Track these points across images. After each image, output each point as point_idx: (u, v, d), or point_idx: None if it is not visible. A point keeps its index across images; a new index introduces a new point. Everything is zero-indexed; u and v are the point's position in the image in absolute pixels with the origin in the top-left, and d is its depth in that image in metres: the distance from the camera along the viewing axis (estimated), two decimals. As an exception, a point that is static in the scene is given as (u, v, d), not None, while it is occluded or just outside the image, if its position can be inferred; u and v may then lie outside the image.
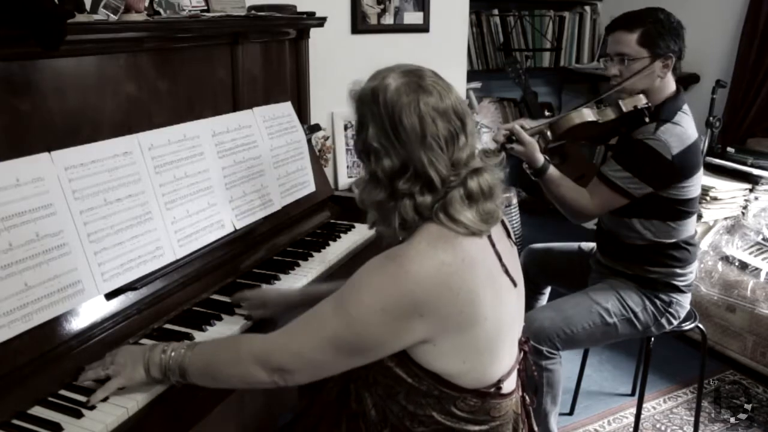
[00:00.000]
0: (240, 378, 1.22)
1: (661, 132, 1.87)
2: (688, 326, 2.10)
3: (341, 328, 1.12)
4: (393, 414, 1.23)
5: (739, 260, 2.76)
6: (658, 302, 1.99)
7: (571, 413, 2.47)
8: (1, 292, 1.20)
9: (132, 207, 1.50)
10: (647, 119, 1.91)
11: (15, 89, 1.34)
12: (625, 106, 1.95)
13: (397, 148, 1.14)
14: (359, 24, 2.73)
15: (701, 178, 2.00)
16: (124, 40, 1.57)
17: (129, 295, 1.45)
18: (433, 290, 1.09)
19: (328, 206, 2.24)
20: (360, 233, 2.09)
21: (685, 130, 1.90)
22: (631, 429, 2.25)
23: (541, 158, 1.98)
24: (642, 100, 1.93)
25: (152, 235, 1.53)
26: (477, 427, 1.22)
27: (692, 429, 2.32)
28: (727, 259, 2.79)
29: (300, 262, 1.86)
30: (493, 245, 1.21)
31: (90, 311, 1.36)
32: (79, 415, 1.18)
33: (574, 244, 2.31)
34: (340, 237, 2.06)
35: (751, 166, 3.08)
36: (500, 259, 1.21)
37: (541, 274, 2.28)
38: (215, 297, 1.64)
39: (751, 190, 3.03)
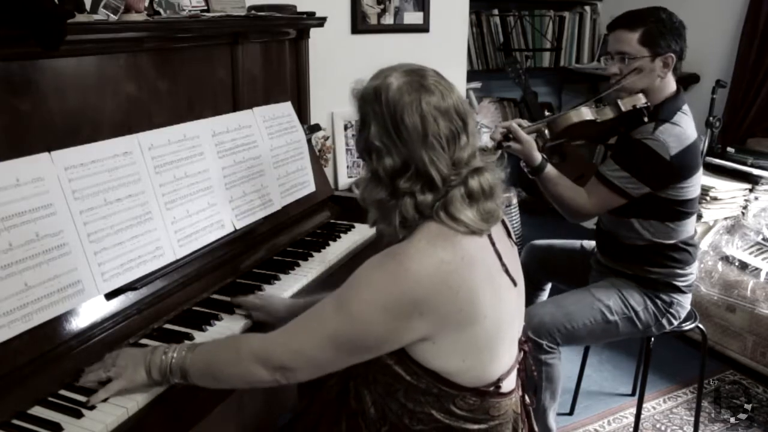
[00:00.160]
0: (241, 377, 1.22)
1: (660, 132, 1.87)
2: (688, 326, 2.10)
3: (341, 326, 1.13)
4: (392, 412, 1.23)
5: (739, 260, 2.76)
6: (659, 302, 1.99)
7: (571, 413, 2.47)
8: (1, 292, 1.20)
9: (132, 207, 1.50)
10: (646, 119, 1.91)
11: (15, 89, 1.34)
12: (624, 105, 1.94)
13: (398, 147, 1.15)
14: (359, 24, 2.73)
15: (700, 179, 2.00)
16: (124, 40, 1.57)
17: (129, 295, 1.45)
18: (433, 288, 1.10)
19: (328, 206, 2.24)
20: (360, 233, 2.09)
21: (684, 130, 1.89)
22: (631, 429, 2.25)
23: (538, 156, 1.98)
24: (641, 100, 1.93)
25: (152, 235, 1.53)
26: (476, 426, 1.22)
27: (692, 429, 2.32)
28: (727, 259, 2.79)
29: (300, 262, 1.86)
30: (493, 244, 1.21)
31: (90, 311, 1.37)
32: (79, 415, 1.18)
33: (576, 242, 2.31)
34: (340, 237, 2.06)
35: (751, 166, 3.08)
36: (500, 259, 1.22)
37: (542, 270, 2.28)
38: (215, 297, 1.64)
39: (751, 190, 3.03)
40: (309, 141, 2.19)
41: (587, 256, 2.23)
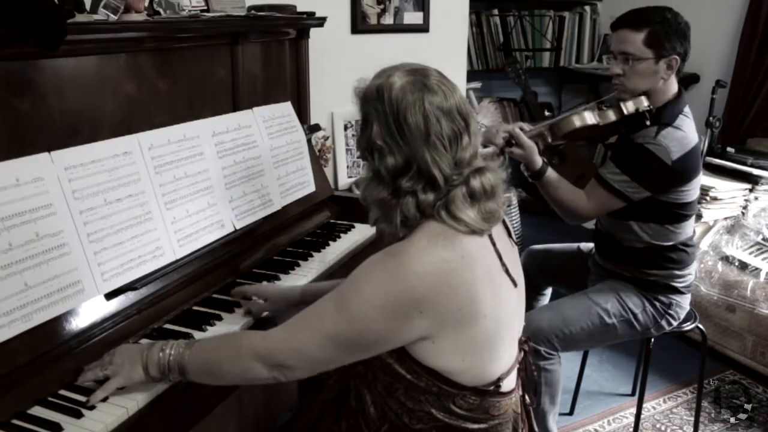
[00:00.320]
0: (239, 374, 1.22)
1: (662, 137, 1.85)
2: (688, 327, 2.10)
3: (341, 324, 1.13)
4: (392, 411, 1.23)
5: (739, 260, 2.76)
6: (657, 304, 1.99)
7: (571, 413, 2.47)
8: (1, 292, 1.20)
9: (132, 207, 1.50)
10: (648, 122, 1.89)
11: (15, 89, 1.34)
12: (627, 108, 1.93)
13: (401, 147, 1.15)
14: (359, 24, 2.73)
15: (700, 181, 1.99)
16: (124, 40, 1.57)
17: (129, 295, 1.45)
18: (433, 287, 1.10)
19: (328, 206, 2.24)
20: (360, 233, 2.10)
21: (686, 134, 1.88)
22: (631, 429, 2.24)
23: (539, 161, 1.97)
24: (644, 103, 1.91)
25: (152, 235, 1.53)
26: (476, 426, 1.22)
27: (692, 429, 2.32)
28: (727, 259, 2.79)
29: (300, 262, 1.86)
30: (494, 244, 1.21)
31: (90, 311, 1.37)
32: (78, 415, 1.18)
33: (574, 245, 2.30)
34: (340, 237, 2.06)
35: (751, 166, 3.08)
36: (500, 258, 1.22)
37: (541, 275, 2.28)
38: (215, 297, 1.64)
39: (751, 190, 3.03)
40: (309, 141, 2.19)
41: (585, 258, 2.22)
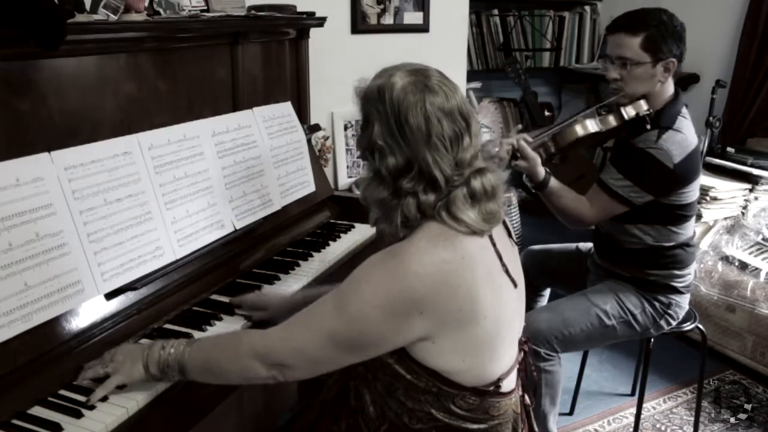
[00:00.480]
0: (239, 373, 1.22)
1: (663, 140, 1.84)
2: (688, 327, 2.10)
3: (341, 324, 1.13)
4: (391, 411, 1.23)
5: (739, 260, 2.76)
6: (657, 304, 1.99)
7: (571, 413, 2.47)
8: (1, 292, 1.20)
9: (132, 207, 1.50)
10: (648, 126, 1.89)
11: (15, 89, 1.34)
12: (627, 113, 1.92)
13: (402, 147, 1.14)
14: (359, 24, 2.73)
15: (700, 182, 1.99)
16: (124, 40, 1.57)
17: (129, 295, 1.45)
18: (433, 287, 1.10)
19: (328, 206, 2.24)
20: (360, 233, 2.09)
21: (686, 136, 1.88)
22: (631, 429, 2.25)
23: (542, 172, 1.97)
24: (643, 107, 1.91)
25: (152, 235, 1.53)
26: (476, 426, 1.22)
27: (692, 429, 2.32)
28: (727, 259, 2.79)
29: (300, 262, 1.86)
30: (494, 245, 1.21)
31: (90, 311, 1.37)
32: (79, 415, 1.18)
33: (572, 245, 2.30)
34: (340, 237, 2.06)
35: (751, 166, 3.08)
36: (500, 259, 1.22)
37: (541, 275, 2.27)
38: (215, 297, 1.64)
39: (751, 190, 3.03)
40: (309, 141, 2.19)
41: (584, 258, 2.22)
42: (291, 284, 1.73)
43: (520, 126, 2.44)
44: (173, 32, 1.72)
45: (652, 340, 2.04)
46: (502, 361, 1.23)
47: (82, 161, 1.41)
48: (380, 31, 2.79)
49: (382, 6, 2.77)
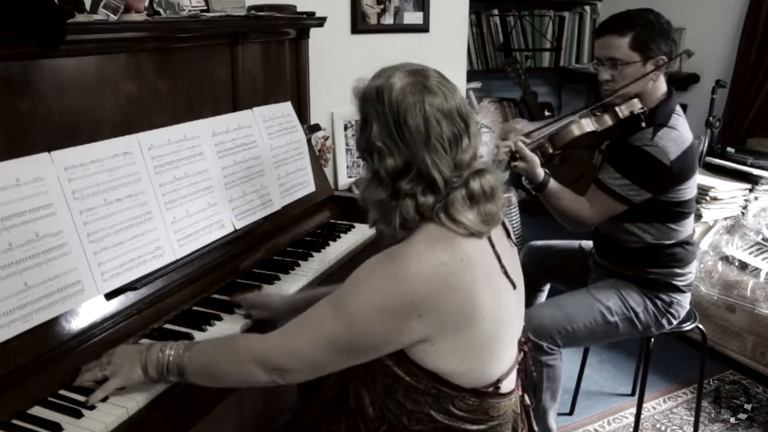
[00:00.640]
0: (238, 377, 1.22)
1: (659, 138, 1.86)
2: (688, 326, 2.10)
3: (339, 328, 1.13)
4: (391, 412, 1.23)
5: (739, 260, 2.76)
6: (658, 302, 1.99)
7: (571, 413, 2.47)
8: (1, 292, 1.20)
9: (132, 207, 1.50)
10: (643, 124, 1.90)
11: (15, 89, 1.34)
12: (622, 112, 1.94)
13: (400, 148, 1.14)
14: (359, 24, 2.73)
15: (697, 178, 2.00)
16: (124, 40, 1.57)
17: (129, 295, 1.45)
18: (432, 289, 1.09)
19: (328, 206, 2.24)
20: (360, 233, 2.09)
21: (681, 133, 1.89)
22: (631, 429, 2.25)
23: (542, 173, 1.98)
24: (637, 105, 1.92)
25: (152, 235, 1.53)
26: (475, 427, 1.22)
27: (692, 429, 2.32)
28: (727, 259, 2.79)
29: (300, 262, 1.86)
30: (493, 246, 1.21)
31: (90, 311, 1.36)
32: (78, 415, 1.18)
33: (575, 243, 2.30)
34: (340, 237, 2.06)
35: (751, 166, 3.08)
36: (499, 260, 1.21)
37: (541, 271, 2.28)
38: (215, 297, 1.64)
39: (751, 190, 3.03)
40: (309, 141, 2.19)
41: (586, 256, 2.23)
42: (291, 284, 1.73)
43: (519, 119, 2.45)
44: (173, 32, 1.72)
45: (653, 339, 2.04)
46: (502, 363, 1.23)
47: (82, 161, 1.41)
48: (380, 31, 2.79)
49: (382, 6, 2.77)
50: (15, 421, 1.16)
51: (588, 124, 1.99)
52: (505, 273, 1.22)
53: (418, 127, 1.13)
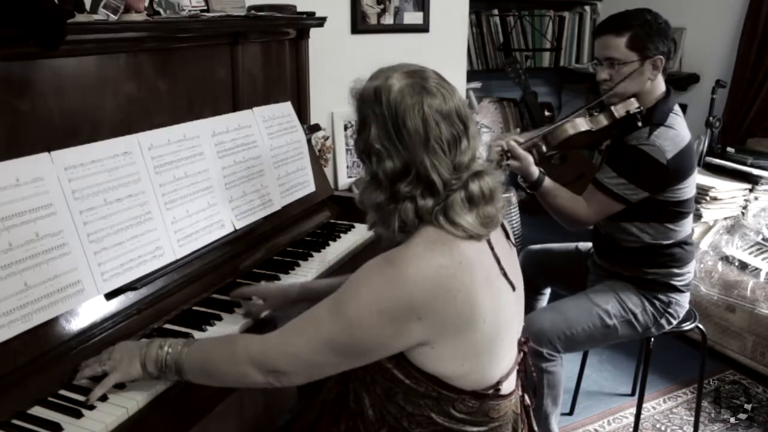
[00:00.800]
0: (235, 378, 1.22)
1: (655, 137, 1.86)
2: (688, 326, 2.10)
3: (338, 331, 1.12)
4: (390, 415, 1.23)
5: (739, 260, 2.76)
6: (657, 303, 1.99)
7: (571, 413, 2.47)
8: (1, 292, 1.20)
9: (132, 207, 1.50)
10: (640, 123, 1.90)
11: (15, 89, 1.34)
12: (618, 111, 1.95)
13: (399, 151, 1.13)
14: (359, 24, 2.73)
15: (696, 178, 2.00)
16: (124, 40, 1.57)
17: (129, 295, 1.45)
18: (432, 292, 1.09)
19: (328, 206, 2.24)
20: (360, 233, 2.09)
21: (678, 132, 1.89)
22: (631, 429, 2.24)
23: (536, 171, 1.98)
24: (634, 105, 1.93)
25: (152, 235, 1.53)
26: (475, 428, 1.21)
27: (692, 429, 2.32)
28: (727, 259, 2.79)
29: (300, 262, 1.86)
30: (492, 248, 1.20)
31: (90, 311, 1.36)
32: (78, 415, 1.18)
33: (572, 245, 2.30)
34: (340, 237, 2.06)
35: (751, 166, 3.08)
36: (499, 263, 1.21)
37: (540, 275, 2.28)
38: (215, 297, 1.64)
39: (751, 190, 3.03)
40: (309, 141, 2.19)
41: (584, 258, 2.23)
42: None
43: (518, 130, 2.45)
44: (173, 32, 1.72)
45: (652, 339, 2.04)
46: (502, 364, 1.23)
47: (82, 161, 1.41)
48: (380, 31, 2.79)
49: (382, 6, 2.77)
50: (15, 421, 1.16)
51: (582, 123, 2.00)
52: (505, 275, 1.22)
53: (416, 129, 1.12)
